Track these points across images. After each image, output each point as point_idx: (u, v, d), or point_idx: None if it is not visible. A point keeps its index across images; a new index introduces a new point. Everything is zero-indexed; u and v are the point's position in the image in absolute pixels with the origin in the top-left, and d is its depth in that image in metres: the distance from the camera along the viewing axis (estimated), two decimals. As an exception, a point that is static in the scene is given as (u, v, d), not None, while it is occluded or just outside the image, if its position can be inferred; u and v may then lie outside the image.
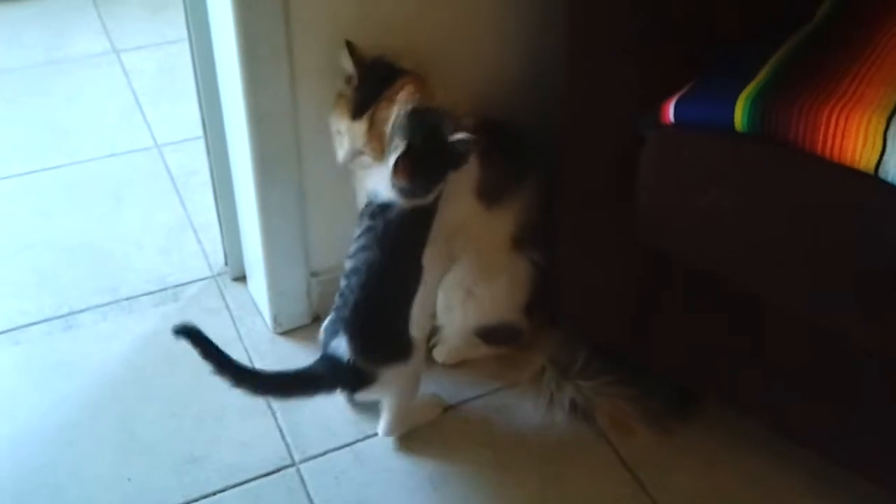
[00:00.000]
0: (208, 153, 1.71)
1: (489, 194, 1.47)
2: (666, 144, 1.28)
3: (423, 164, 1.30)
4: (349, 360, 1.37)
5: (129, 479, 1.44)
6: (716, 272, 1.30)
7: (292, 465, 1.47)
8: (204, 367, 1.59)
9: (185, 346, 1.63)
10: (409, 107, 1.30)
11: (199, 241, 1.88)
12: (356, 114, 1.35)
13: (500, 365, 1.62)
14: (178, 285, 1.79)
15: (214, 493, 1.43)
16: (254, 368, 1.44)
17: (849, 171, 1.13)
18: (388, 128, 1.32)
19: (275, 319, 1.68)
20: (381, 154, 1.34)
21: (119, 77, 2.40)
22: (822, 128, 1.13)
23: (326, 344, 1.41)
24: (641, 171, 1.30)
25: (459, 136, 1.30)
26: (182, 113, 2.11)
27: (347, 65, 1.37)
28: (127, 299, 1.75)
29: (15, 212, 1.97)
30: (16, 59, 2.47)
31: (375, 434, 1.51)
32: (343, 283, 1.39)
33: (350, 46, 1.37)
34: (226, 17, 1.42)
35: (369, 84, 1.35)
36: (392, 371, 1.41)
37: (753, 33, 1.34)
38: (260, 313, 1.72)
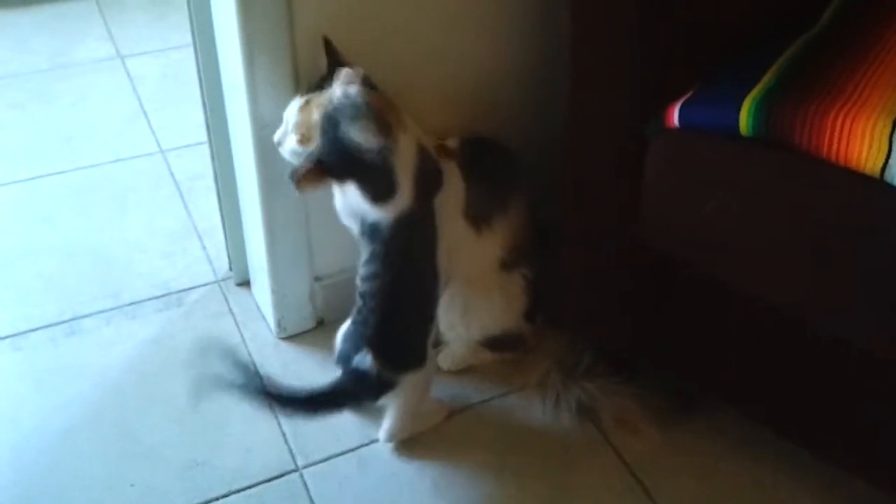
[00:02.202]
0: (212, 158, 1.71)
1: (477, 215, 1.48)
2: (670, 148, 1.27)
3: (329, 173, 1.31)
4: (374, 373, 1.38)
5: (132, 485, 1.44)
6: (720, 276, 1.30)
7: (295, 470, 1.47)
8: (210, 372, 1.61)
9: (189, 352, 1.65)
10: (331, 105, 1.29)
11: (203, 247, 1.88)
12: (302, 95, 1.36)
13: (506, 369, 1.62)
14: (181, 290, 1.78)
15: (217, 499, 1.42)
16: (289, 390, 1.43)
17: (854, 175, 1.12)
18: (316, 111, 1.32)
19: (279, 324, 1.68)
20: (302, 133, 1.35)
21: (124, 82, 2.40)
22: (828, 131, 1.13)
23: (347, 356, 1.41)
24: (646, 174, 1.29)
25: (365, 136, 1.27)
26: (186, 118, 2.12)
27: (322, 63, 1.37)
28: (130, 304, 1.75)
29: (19, 217, 1.98)
30: (21, 64, 2.48)
31: (379, 439, 1.51)
32: (359, 300, 1.39)
33: (327, 44, 1.36)
34: (229, 22, 1.42)
35: (328, 80, 1.34)
36: (410, 377, 1.42)
37: (758, 37, 1.33)
38: (264, 318, 1.72)
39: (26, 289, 1.79)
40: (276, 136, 1.40)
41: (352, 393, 1.42)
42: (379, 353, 1.38)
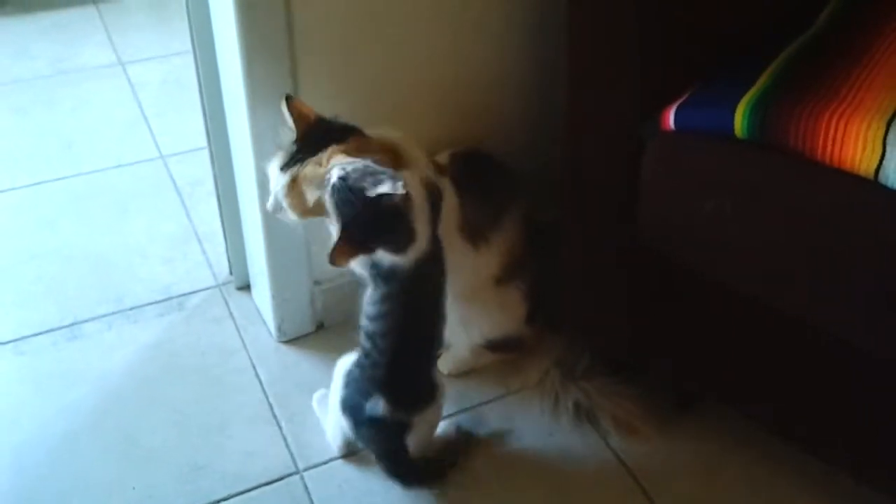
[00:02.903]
0: (213, 164, 1.72)
1: (473, 231, 1.48)
2: (666, 151, 1.28)
3: (360, 239, 1.26)
4: (389, 418, 1.37)
5: (133, 488, 1.45)
6: (717, 276, 1.30)
7: (296, 473, 1.47)
8: (208, 376, 1.62)
9: (190, 356, 1.66)
10: (335, 179, 1.24)
11: (204, 251, 1.89)
12: (284, 166, 1.32)
13: (505, 370, 1.62)
14: (182, 295, 1.79)
15: (218, 502, 1.43)
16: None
17: (848, 177, 1.13)
18: (308, 189, 1.29)
19: (279, 328, 1.69)
20: (301, 212, 1.32)
21: (125, 89, 2.41)
22: (822, 133, 1.13)
23: (356, 405, 1.39)
24: (642, 176, 1.30)
25: (382, 189, 1.20)
26: (187, 124, 2.12)
27: (288, 120, 1.33)
28: (132, 309, 1.76)
29: (21, 222, 1.98)
30: (23, 70, 2.49)
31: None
32: (366, 341, 1.37)
33: (288, 102, 1.32)
34: (229, 29, 1.43)
35: (305, 143, 1.31)
36: (423, 415, 1.41)
37: (754, 40, 1.34)
38: (264, 322, 1.73)
39: (28, 294, 1.80)
40: (269, 206, 1.37)
41: (374, 440, 1.42)
42: (391, 396, 1.36)
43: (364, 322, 1.37)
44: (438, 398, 1.42)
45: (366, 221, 1.24)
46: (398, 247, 1.28)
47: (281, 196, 1.33)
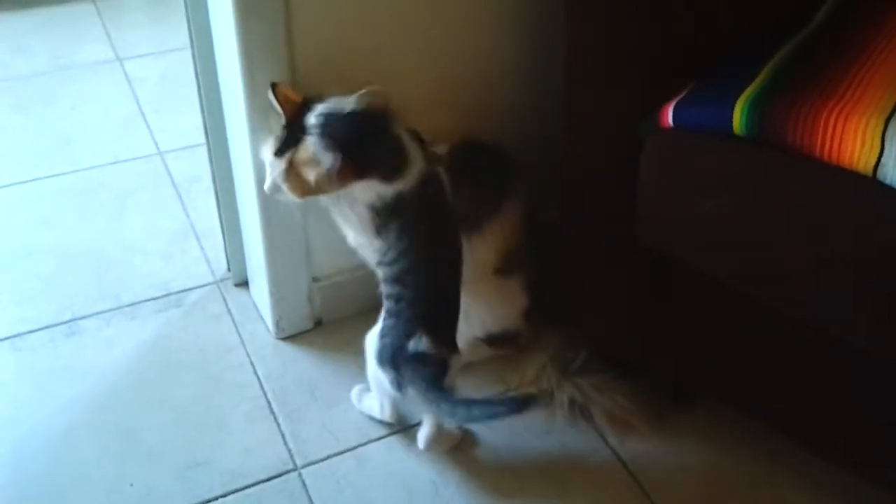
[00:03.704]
0: (210, 160, 1.71)
1: (468, 221, 1.48)
2: (665, 148, 1.28)
3: (355, 160, 1.30)
4: (434, 352, 1.38)
5: (132, 485, 1.45)
6: (716, 274, 1.30)
7: (294, 469, 1.47)
8: (206, 373, 1.62)
9: (188, 352, 1.66)
10: (314, 119, 1.30)
11: (202, 248, 1.89)
12: (278, 152, 1.35)
13: (503, 367, 1.62)
14: (180, 291, 1.79)
15: (216, 498, 1.43)
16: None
17: (847, 174, 1.13)
18: (307, 170, 1.32)
19: (277, 325, 1.68)
20: (299, 192, 1.35)
21: (122, 85, 2.41)
22: (821, 130, 1.13)
23: (396, 349, 1.39)
24: (641, 174, 1.30)
25: (354, 98, 1.30)
26: (185, 120, 2.12)
27: (275, 106, 1.36)
28: (130, 305, 1.76)
29: (19, 219, 1.98)
30: (21, 66, 2.49)
31: (377, 438, 1.51)
32: (395, 288, 1.38)
33: (274, 88, 1.35)
34: (227, 24, 1.42)
35: (295, 125, 1.34)
36: (456, 359, 1.43)
37: (752, 37, 1.34)
38: (262, 319, 1.72)
39: (26, 290, 1.80)
40: (267, 188, 1.38)
41: (420, 376, 1.39)
42: (433, 331, 1.38)
43: (385, 273, 1.39)
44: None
45: (356, 140, 1.30)
46: (393, 168, 1.32)
47: (280, 181, 1.35)
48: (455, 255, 1.42)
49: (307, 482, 1.45)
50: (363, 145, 1.31)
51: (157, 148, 2.18)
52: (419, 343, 1.38)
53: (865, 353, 1.20)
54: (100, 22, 2.67)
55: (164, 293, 1.78)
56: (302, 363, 1.64)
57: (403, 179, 1.33)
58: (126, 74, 2.44)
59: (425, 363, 1.39)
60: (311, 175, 1.32)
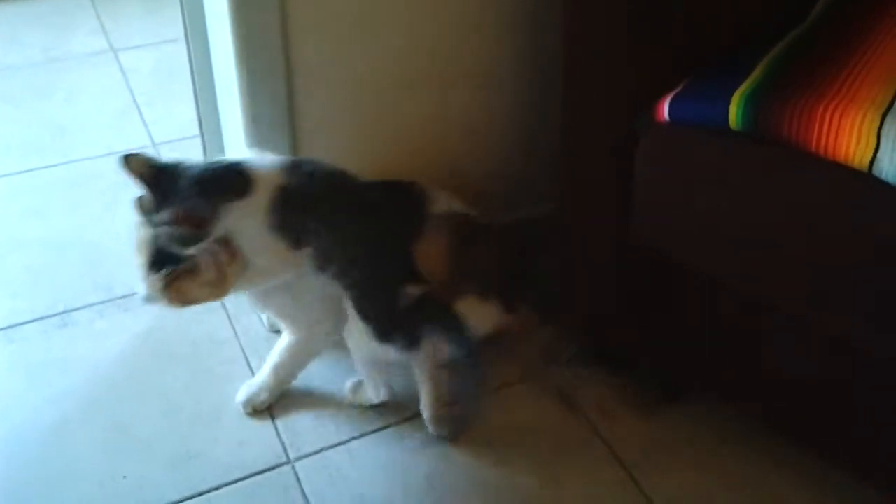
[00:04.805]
0: (205, 152, 1.71)
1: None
2: (660, 143, 1.28)
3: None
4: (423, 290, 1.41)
5: (125, 477, 1.44)
6: (712, 271, 1.30)
7: (287, 462, 1.47)
8: (200, 366, 1.61)
9: (182, 345, 1.65)
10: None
11: (196, 240, 1.88)
12: (152, 266, 1.32)
13: (495, 361, 1.62)
14: (174, 284, 1.78)
15: (209, 491, 1.43)
16: None
17: (843, 169, 1.13)
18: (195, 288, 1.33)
19: (269, 318, 1.68)
20: (184, 305, 1.36)
21: (116, 76, 2.40)
22: (816, 126, 1.13)
23: (390, 315, 1.40)
24: (637, 170, 1.30)
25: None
26: (179, 112, 2.12)
27: (133, 181, 1.29)
28: (122, 297, 1.75)
29: (11, 210, 1.97)
30: (14, 57, 2.48)
31: (371, 432, 1.51)
32: (348, 279, 1.39)
33: (128, 161, 1.29)
34: (222, 15, 1.42)
35: (159, 192, 1.29)
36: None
37: (748, 32, 1.34)
38: (255, 312, 1.72)
39: (18, 282, 1.79)
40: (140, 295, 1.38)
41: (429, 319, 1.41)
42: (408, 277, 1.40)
43: (332, 277, 1.39)
44: None
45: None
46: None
47: (158, 298, 1.35)
48: (381, 217, 1.41)
49: (300, 475, 1.45)
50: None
51: (152, 140, 2.17)
52: (405, 293, 1.38)
53: (864, 351, 1.20)
54: (94, 13, 2.67)
55: (157, 286, 1.77)
56: (296, 356, 1.64)
57: (242, 204, 1.31)
58: (120, 65, 2.44)
59: (425, 303, 1.39)
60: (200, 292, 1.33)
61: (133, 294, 1.72)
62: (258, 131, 1.51)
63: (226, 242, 1.31)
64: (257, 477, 1.45)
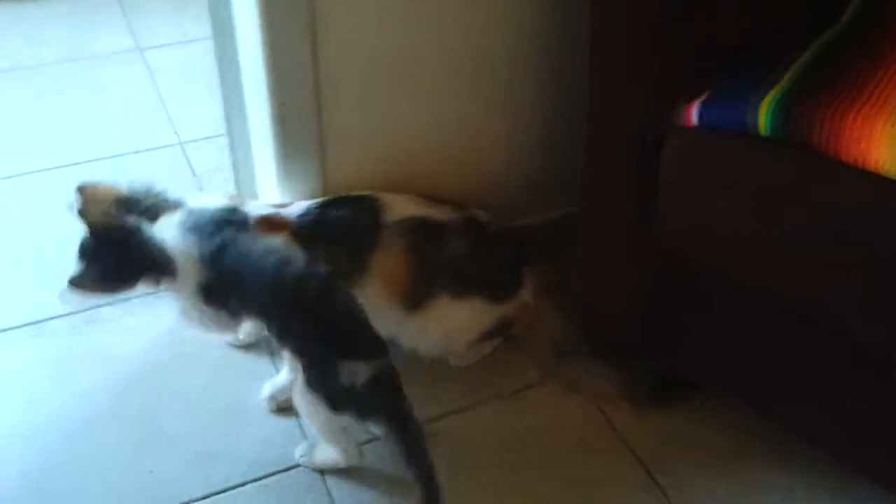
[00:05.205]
0: (231, 151, 1.72)
1: (339, 270, 1.42)
2: (688, 147, 1.28)
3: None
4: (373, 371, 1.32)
5: (151, 472, 1.46)
6: (735, 274, 1.30)
7: (312, 461, 1.48)
8: (225, 362, 1.63)
9: (208, 342, 1.66)
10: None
11: (221, 238, 1.90)
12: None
13: (511, 361, 1.63)
14: (200, 281, 1.80)
15: (234, 487, 1.44)
16: None
17: (873, 177, 1.12)
18: None
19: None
20: None
21: (143, 74, 2.42)
22: (847, 132, 1.13)
23: (345, 389, 1.32)
24: (662, 172, 1.30)
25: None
26: (205, 111, 2.13)
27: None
28: (149, 293, 1.76)
29: (40, 206, 1.99)
30: (41, 55, 2.50)
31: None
32: (294, 346, 1.36)
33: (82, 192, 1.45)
34: (251, 13, 1.43)
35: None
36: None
37: (777, 36, 1.34)
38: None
39: (47, 277, 1.80)
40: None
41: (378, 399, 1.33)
42: (359, 352, 1.31)
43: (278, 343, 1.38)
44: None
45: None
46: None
47: None
48: (319, 283, 1.33)
49: (325, 473, 1.46)
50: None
51: (178, 138, 2.19)
52: (354, 371, 1.29)
53: (887, 356, 1.20)
54: (121, 11, 2.68)
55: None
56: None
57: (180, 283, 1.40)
58: (147, 64, 2.45)
59: (379, 383, 1.31)
60: None
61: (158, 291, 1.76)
62: (285, 131, 1.52)
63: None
64: (282, 474, 1.46)
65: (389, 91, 1.55)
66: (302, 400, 1.36)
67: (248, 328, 1.60)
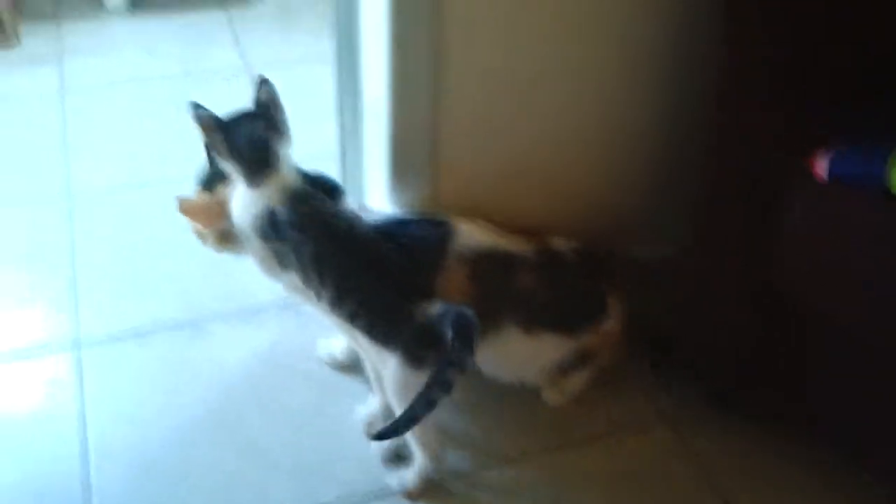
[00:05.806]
0: (343, 173, 1.75)
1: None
2: (816, 200, 1.27)
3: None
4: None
5: (249, 484, 1.48)
6: (858, 328, 1.28)
7: (407, 485, 1.48)
8: (324, 380, 1.64)
9: (307, 360, 1.68)
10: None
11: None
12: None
13: (601, 403, 1.62)
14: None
15: (326, 508, 1.45)
16: None
17: None
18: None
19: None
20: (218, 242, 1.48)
21: (250, 92, 2.46)
22: None
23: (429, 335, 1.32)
24: (788, 223, 1.29)
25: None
26: (311, 131, 2.14)
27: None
28: (252, 309, 1.79)
29: (149, 218, 2.03)
30: (153, 69, 2.57)
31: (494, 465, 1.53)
32: (347, 309, 1.36)
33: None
34: (379, 39, 1.45)
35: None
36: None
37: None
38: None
39: (157, 288, 1.85)
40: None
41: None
42: (413, 295, 1.35)
43: (330, 309, 1.37)
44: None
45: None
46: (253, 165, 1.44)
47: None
48: (365, 246, 1.37)
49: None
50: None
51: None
52: (419, 310, 1.31)
53: None
54: (230, 29, 2.75)
55: (284, 300, 1.80)
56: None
57: (260, 182, 1.41)
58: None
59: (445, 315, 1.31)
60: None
61: (262, 307, 1.79)
62: (401, 159, 1.54)
63: None
64: (378, 495, 1.46)
65: (508, 114, 1.56)
66: (391, 380, 1.35)
67: (343, 345, 1.60)
